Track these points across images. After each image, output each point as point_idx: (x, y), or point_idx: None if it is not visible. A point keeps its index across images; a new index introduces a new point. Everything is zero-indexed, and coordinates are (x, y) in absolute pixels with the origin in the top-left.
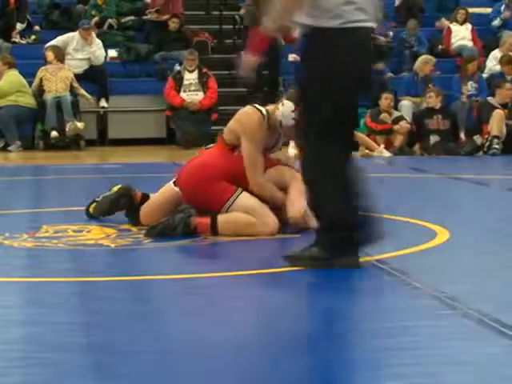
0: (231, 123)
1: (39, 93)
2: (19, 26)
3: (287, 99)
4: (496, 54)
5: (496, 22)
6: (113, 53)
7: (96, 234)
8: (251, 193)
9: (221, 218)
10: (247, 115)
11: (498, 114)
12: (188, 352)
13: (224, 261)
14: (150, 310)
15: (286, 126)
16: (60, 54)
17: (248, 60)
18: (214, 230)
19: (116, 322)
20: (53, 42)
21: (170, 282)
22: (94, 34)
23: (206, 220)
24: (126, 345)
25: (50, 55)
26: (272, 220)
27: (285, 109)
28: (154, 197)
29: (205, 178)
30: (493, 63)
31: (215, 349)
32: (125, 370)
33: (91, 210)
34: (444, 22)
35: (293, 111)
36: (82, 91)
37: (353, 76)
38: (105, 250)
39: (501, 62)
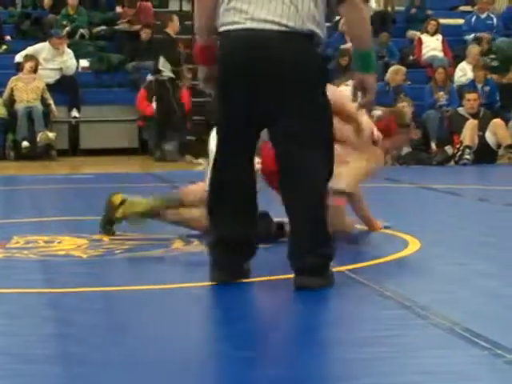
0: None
1: (10, 103)
2: None
3: None
4: (463, 65)
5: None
6: (84, 63)
7: (67, 245)
8: None
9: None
10: None
11: (471, 124)
12: (161, 363)
13: (199, 271)
14: (122, 321)
15: None
16: (37, 64)
17: (200, 71)
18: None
19: (88, 332)
20: (23, 52)
21: (141, 293)
22: (65, 44)
23: None
24: (99, 356)
25: (32, 65)
26: None
27: None
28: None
29: None
30: (459, 75)
31: (188, 360)
32: (98, 382)
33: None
34: (415, 32)
35: None
36: (50, 102)
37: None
38: (76, 260)
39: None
